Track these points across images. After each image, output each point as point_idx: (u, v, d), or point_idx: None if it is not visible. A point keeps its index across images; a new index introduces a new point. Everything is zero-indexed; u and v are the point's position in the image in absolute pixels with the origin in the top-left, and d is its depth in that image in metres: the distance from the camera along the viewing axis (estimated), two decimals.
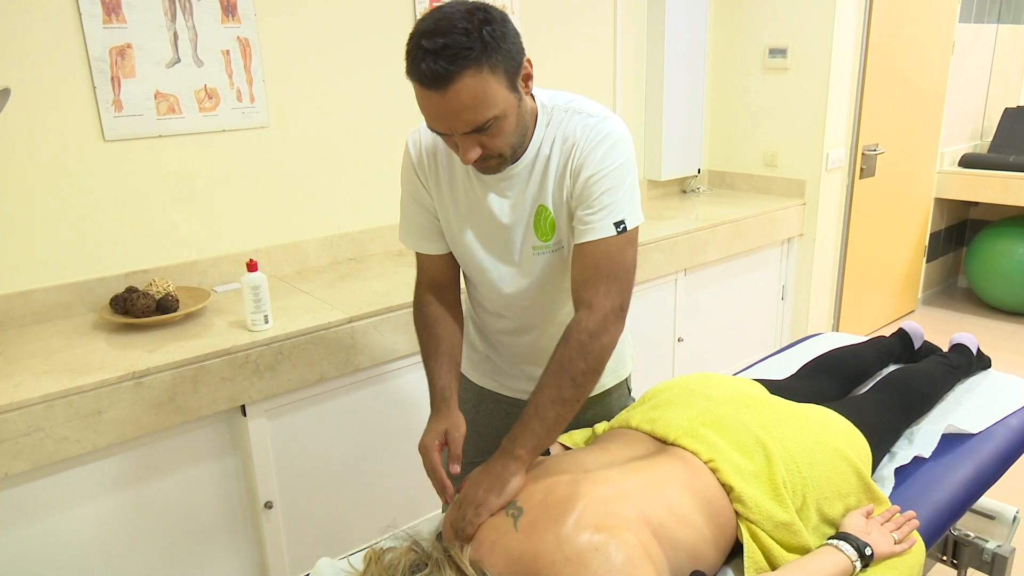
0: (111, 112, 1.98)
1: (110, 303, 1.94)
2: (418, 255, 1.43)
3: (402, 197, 1.41)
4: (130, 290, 1.94)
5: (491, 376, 1.56)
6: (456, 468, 1.23)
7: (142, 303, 1.89)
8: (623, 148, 1.22)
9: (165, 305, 1.91)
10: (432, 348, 1.37)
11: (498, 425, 1.57)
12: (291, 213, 2.38)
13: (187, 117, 2.11)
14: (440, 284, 1.43)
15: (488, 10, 1.08)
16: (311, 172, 2.39)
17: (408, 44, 1.08)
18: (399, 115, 2.54)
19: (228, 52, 2.15)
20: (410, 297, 2.06)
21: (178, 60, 2.06)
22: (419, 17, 1.10)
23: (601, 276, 1.19)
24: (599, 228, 1.20)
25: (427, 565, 1.01)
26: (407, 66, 1.08)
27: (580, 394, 1.18)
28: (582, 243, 1.21)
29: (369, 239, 2.55)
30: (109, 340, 1.84)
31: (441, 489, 1.23)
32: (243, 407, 1.84)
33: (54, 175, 1.94)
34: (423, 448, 1.26)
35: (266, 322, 1.87)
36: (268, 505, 1.93)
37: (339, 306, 2.03)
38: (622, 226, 1.20)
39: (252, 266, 1.85)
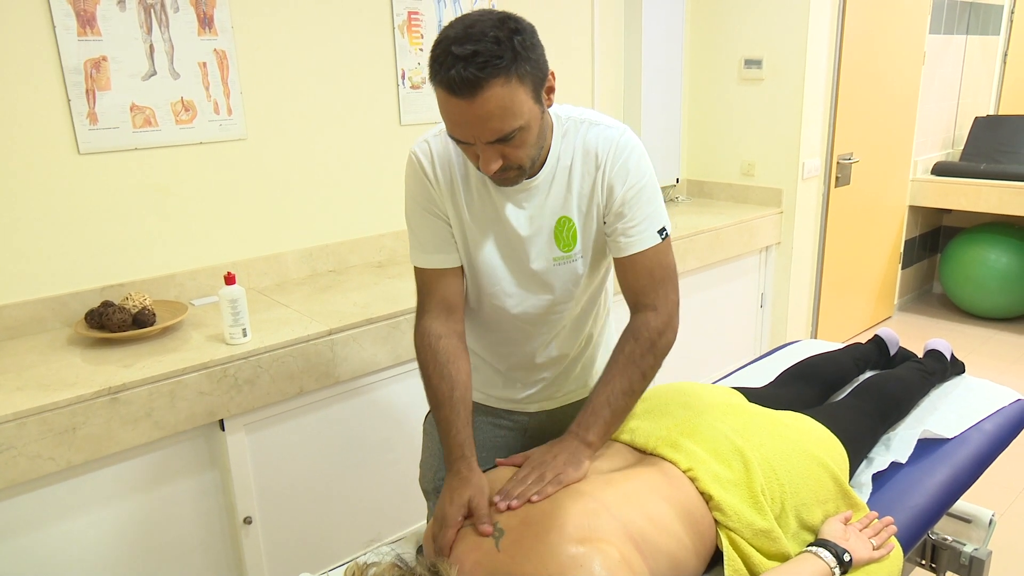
0: (86, 125, 1.96)
1: (85, 318, 1.92)
2: (426, 275, 1.35)
3: (410, 212, 1.34)
4: (106, 304, 1.91)
5: (479, 388, 1.55)
6: (488, 529, 1.13)
7: (118, 317, 1.87)
8: (645, 157, 1.28)
9: (142, 319, 1.89)
10: (447, 393, 1.28)
11: (482, 438, 1.56)
12: (270, 225, 2.37)
13: (163, 130, 2.09)
14: (451, 306, 1.35)
15: (518, 20, 1.09)
16: (289, 184, 2.38)
17: (435, 50, 1.07)
18: (377, 126, 2.54)
19: (205, 64, 2.14)
20: (391, 308, 2.08)
21: (154, 72, 2.05)
22: (445, 24, 1.10)
23: (657, 280, 1.29)
24: (646, 238, 1.27)
25: None
26: (432, 72, 1.07)
27: (645, 386, 1.29)
28: (632, 255, 1.27)
29: (348, 251, 2.54)
30: (84, 355, 1.81)
31: (437, 553, 1.14)
32: (221, 422, 1.82)
33: (28, 188, 1.92)
34: (444, 520, 1.16)
35: (244, 335, 1.85)
36: (247, 520, 1.91)
37: (319, 318, 2.02)
38: (664, 232, 1.29)
39: (230, 279, 1.83)
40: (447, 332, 1.33)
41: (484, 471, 1.25)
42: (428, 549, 1.14)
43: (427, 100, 2.65)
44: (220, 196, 2.24)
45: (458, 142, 1.15)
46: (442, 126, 1.29)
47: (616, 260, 1.31)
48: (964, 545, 1.91)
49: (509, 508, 1.14)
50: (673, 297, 1.30)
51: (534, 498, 1.14)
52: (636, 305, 1.31)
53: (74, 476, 1.66)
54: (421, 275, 1.36)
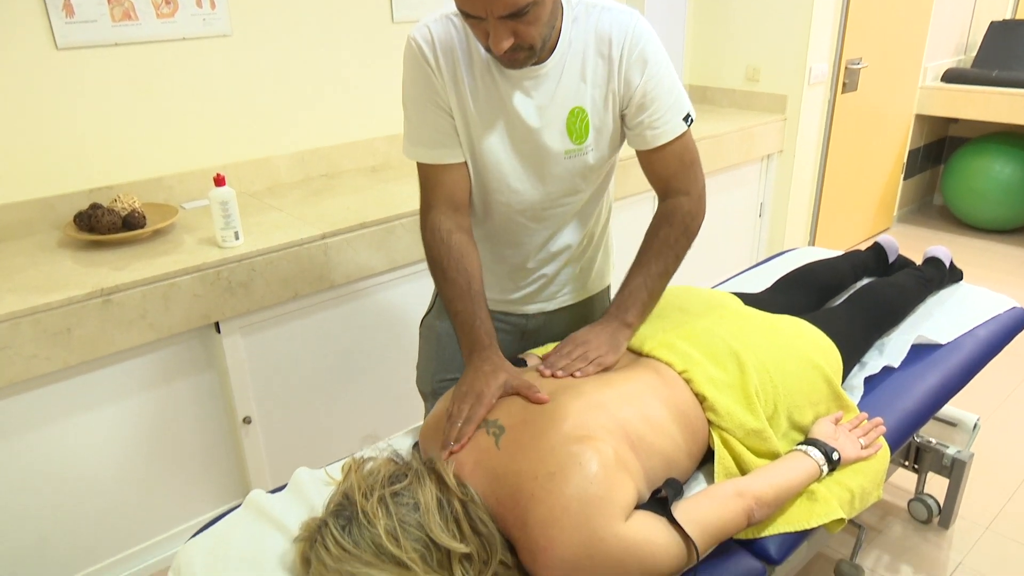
0: (62, 17, 1.87)
1: (74, 220, 1.88)
2: (429, 171, 1.29)
3: (408, 102, 1.27)
4: (94, 207, 1.87)
5: None
6: (545, 397, 1.12)
7: (107, 220, 1.84)
8: (659, 43, 1.25)
9: (131, 222, 1.86)
10: (464, 287, 1.25)
11: None
12: (259, 127, 2.30)
13: (144, 24, 2.00)
14: (458, 203, 1.29)
15: None
16: (278, 84, 2.30)
17: None
18: (371, 21, 2.43)
19: None
20: (385, 212, 2.05)
21: None
22: None
23: (686, 166, 1.30)
24: (673, 128, 1.26)
25: (407, 476, 1.01)
26: None
27: (678, 267, 1.33)
28: (661, 145, 1.26)
29: (341, 155, 2.48)
30: (75, 258, 1.79)
31: (458, 439, 1.10)
32: (217, 324, 1.82)
33: (6, 86, 1.84)
34: (478, 395, 1.13)
35: (237, 238, 1.83)
36: (247, 420, 1.94)
37: (312, 222, 1.98)
38: (689, 119, 1.28)
39: (219, 180, 1.79)
40: (456, 227, 1.29)
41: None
42: (426, 446, 1.15)
43: None
44: (206, 96, 2.17)
45: (468, 17, 1.09)
46: (443, 11, 1.23)
47: (641, 152, 1.31)
48: (947, 448, 1.96)
49: (553, 376, 1.20)
50: (702, 179, 1.33)
51: (577, 374, 1.20)
52: (667, 191, 1.32)
53: (72, 377, 1.67)
54: (424, 170, 1.30)
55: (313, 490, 1.21)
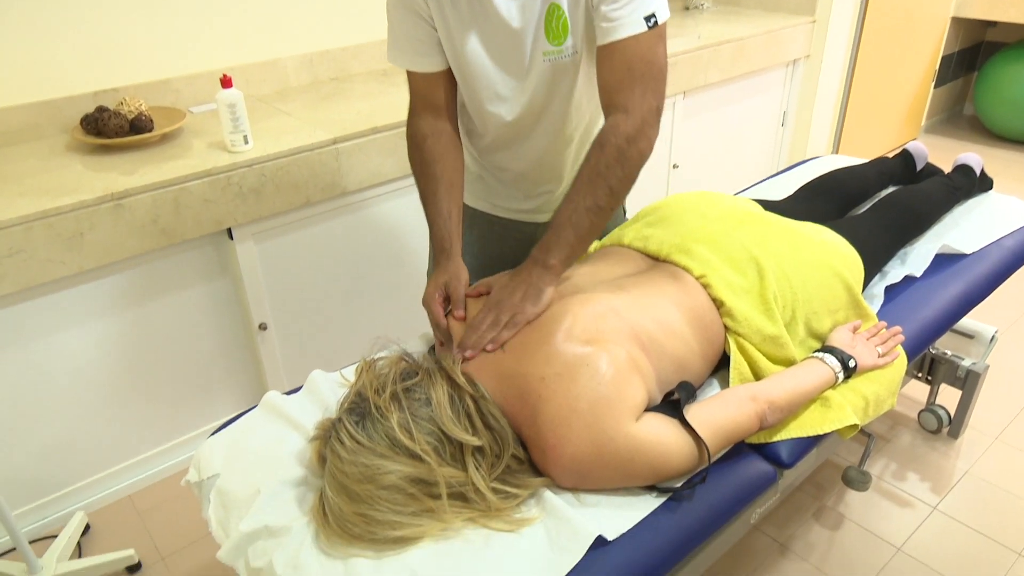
0: None
1: (81, 123, 1.85)
2: (411, 75, 1.29)
3: (390, 8, 1.25)
4: (100, 109, 1.83)
5: (484, 197, 1.51)
6: (461, 314, 1.17)
7: (114, 123, 1.80)
8: None
9: (139, 125, 1.82)
10: (431, 191, 1.27)
11: (492, 249, 1.55)
12: (267, 28, 2.21)
13: None
14: (437, 107, 1.30)
15: None
16: None
17: None
18: None
19: None
20: (397, 118, 2.00)
21: None
22: None
23: (636, 77, 1.11)
24: (629, 23, 1.09)
25: (417, 374, 1.02)
26: None
27: (615, 203, 1.13)
28: (611, 42, 1.10)
29: (351, 57, 2.40)
30: (84, 162, 1.76)
31: (447, 340, 1.16)
32: (229, 230, 1.80)
33: None
34: (425, 303, 1.21)
35: (246, 143, 1.79)
36: (262, 327, 1.96)
37: (322, 127, 1.94)
38: (652, 20, 1.10)
39: (226, 82, 1.74)
40: (433, 131, 1.29)
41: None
42: (470, 342, 1.14)
43: None
44: None
45: None
46: None
47: (598, 52, 1.14)
48: (962, 359, 1.95)
49: (465, 360, 1.08)
50: (651, 101, 1.12)
51: (488, 347, 1.07)
52: (608, 106, 1.15)
53: (89, 281, 1.68)
54: (408, 75, 1.30)
55: (328, 391, 1.22)
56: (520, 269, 1.15)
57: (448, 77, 1.28)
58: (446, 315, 1.18)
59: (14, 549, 1.76)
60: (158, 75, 2.06)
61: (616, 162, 1.11)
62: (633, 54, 1.10)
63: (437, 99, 1.29)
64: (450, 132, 1.31)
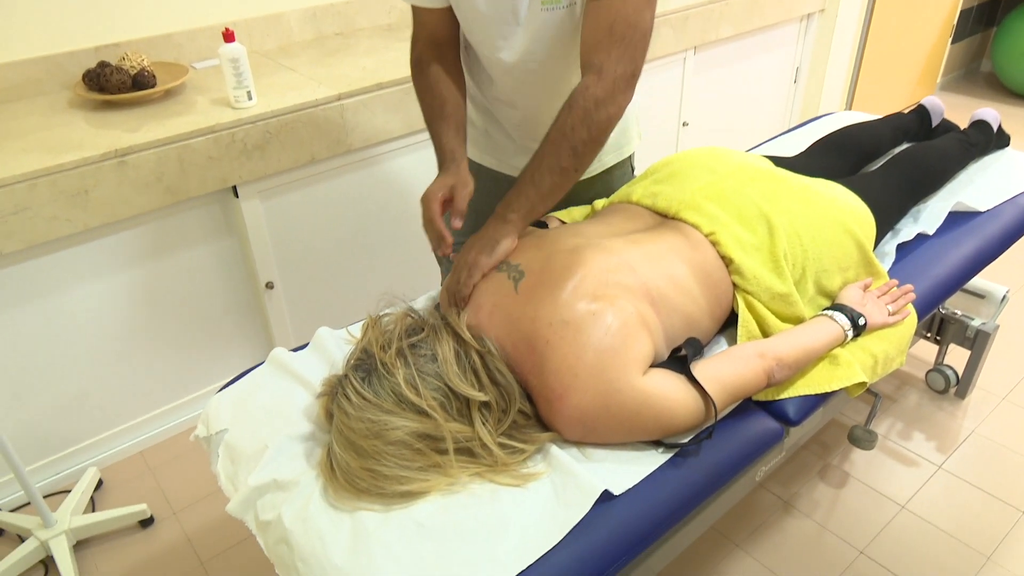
0: None
1: (83, 79, 1.82)
2: (415, 9, 1.30)
3: None
4: (102, 65, 1.81)
5: (490, 153, 1.50)
6: (458, 223, 1.17)
7: (116, 78, 1.78)
8: None
9: (141, 81, 1.80)
10: (437, 109, 1.28)
11: (493, 205, 1.53)
12: None
13: None
14: (439, 41, 1.31)
15: None
16: None
17: None
18: None
19: None
20: (402, 73, 1.96)
21: None
22: None
23: (615, 38, 1.08)
24: None
25: (423, 330, 1.01)
26: None
27: (579, 164, 1.12)
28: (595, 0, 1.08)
29: (356, 12, 2.35)
30: (87, 118, 1.75)
31: (438, 240, 1.17)
32: (235, 188, 1.79)
33: None
34: (425, 198, 1.18)
35: (250, 98, 1.76)
36: (269, 285, 1.96)
37: (327, 83, 1.91)
38: None
39: (229, 36, 1.71)
40: (436, 58, 1.30)
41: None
42: (444, 301, 1.15)
43: None
44: None
45: None
46: None
47: (585, 8, 1.12)
48: (972, 319, 1.94)
49: (459, 307, 1.09)
50: (627, 66, 1.09)
51: (463, 291, 1.10)
52: (584, 65, 1.12)
53: (96, 239, 1.68)
54: (413, 10, 1.31)
55: (334, 347, 1.22)
56: (483, 227, 1.16)
57: (450, 14, 1.29)
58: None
59: (29, 503, 1.79)
60: (160, 30, 2.03)
61: (581, 124, 1.09)
62: (617, 14, 1.07)
63: (439, 34, 1.31)
64: (451, 61, 1.32)
